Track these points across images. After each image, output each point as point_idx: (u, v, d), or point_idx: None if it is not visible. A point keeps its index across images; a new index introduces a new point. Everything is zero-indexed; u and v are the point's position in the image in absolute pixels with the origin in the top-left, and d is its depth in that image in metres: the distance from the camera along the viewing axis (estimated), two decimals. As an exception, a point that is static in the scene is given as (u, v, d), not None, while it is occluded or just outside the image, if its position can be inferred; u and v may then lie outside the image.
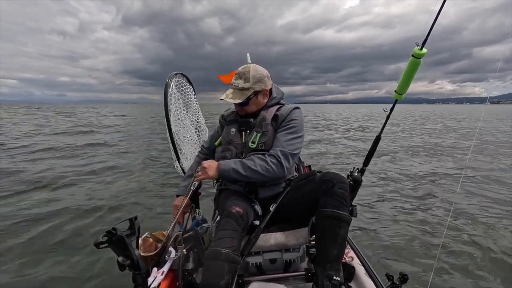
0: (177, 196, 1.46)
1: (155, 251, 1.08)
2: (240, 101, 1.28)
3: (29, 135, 10.83)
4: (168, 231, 1.21)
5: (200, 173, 1.25)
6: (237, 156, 1.30)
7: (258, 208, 1.30)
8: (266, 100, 1.37)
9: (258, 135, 1.28)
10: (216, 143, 1.51)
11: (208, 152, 1.58)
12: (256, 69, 1.31)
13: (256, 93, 1.30)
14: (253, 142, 1.28)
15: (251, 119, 1.33)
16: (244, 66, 1.33)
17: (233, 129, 1.37)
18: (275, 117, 1.31)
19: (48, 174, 5.03)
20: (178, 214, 1.29)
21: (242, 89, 1.29)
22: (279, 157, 1.19)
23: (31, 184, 4.44)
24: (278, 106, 1.37)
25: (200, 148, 1.64)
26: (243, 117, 1.38)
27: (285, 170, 1.21)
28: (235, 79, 1.32)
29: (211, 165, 1.23)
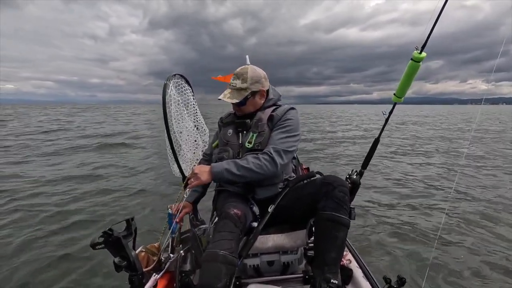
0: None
1: (151, 266, 1.07)
2: (237, 101, 1.30)
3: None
4: (160, 242, 1.20)
5: (192, 179, 1.23)
6: (234, 157, 1.31)
7: (256, 209, 1.29)
8: (263, 101, 1.39)
9: (254, 135, 1.30)
10: (213, 145, 1.52)
11: (210, 158, 1.57)
12: (254, 70, 1.34)
13: (253, 93, 1.33)
14: (249, 143, 1.29)
15: (248, 120, 1.35)
16: (242, 67, 1.36)
17: (230, 130, 1.39)
18: (270, 117, 1.33)
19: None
20: (177, 216, 1.28)
21: (240, 89, 1.31)
22: (271, 154, 1.20)
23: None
24: (274, 107, 1.39)
25: (202, 156, 1.64)
26: (239, 118, 1.40)
27: (278, 166, 1.21)
28: (233, 79, 1.34)
29: (202, 169, 1.22)
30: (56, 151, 7.72)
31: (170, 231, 1.26)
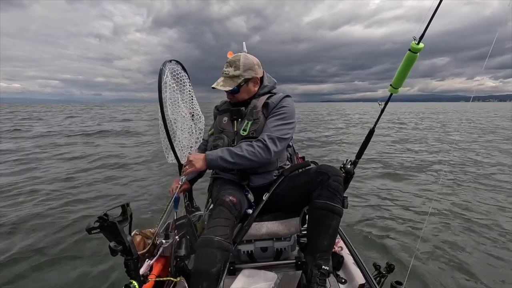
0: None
1: (145, 249, 1.08)
2: (230, 88, 1.31)
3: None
4: (157, 228, 1.20)
5: (187, 167, 1.25)
6: (229, 144, 1.32)
7: (251, 196, 1.31)
8: (257, 88, 1.39)
9: (249, 123, 1.30)
10: (209, 133, 1.53)
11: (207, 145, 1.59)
12: (247, 57, 1.34)
13: (246, 80, 1.33)
14: (244, 130, 1.30)
15: (243, 108, 1.36)
16: (235, 54, 1.35)
17: (225, 118, 1.40)
18: (265, 104, 1.33)
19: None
20: (175, 194, 1.30)
21: (233, 76, 1.32)
22: (265, 141, 1.21)
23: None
24: (269, 94, 1.38)
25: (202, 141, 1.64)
26: (235, 106, 1.40)
27: (272, 153, 1.21)
28: (225, 67, 1.34)
29: (197, 157, 1.23)
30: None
31: (170, 207, 1.29)
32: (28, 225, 2.81)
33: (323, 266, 1.04)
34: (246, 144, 1.22)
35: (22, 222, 2.87)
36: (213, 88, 1.36)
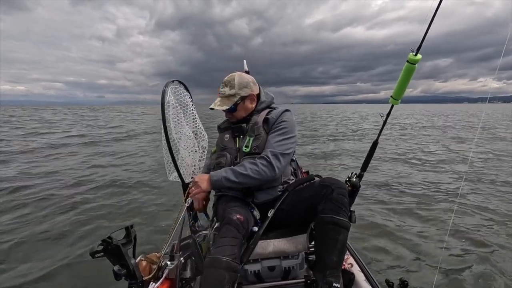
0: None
1: (151, 275, 1.06)
2: (227, 107, 1.34)
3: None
4: (163, 250, 1.19)
5: (193, 188, 1.27)
6: (231, 161, 1.34)
7: (256, 213, 1.29)
8: (254, 105, 1.42)
9: (251, 139, 1.32)
10: (212, 151, 1.55)
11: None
12: (241, 76, 1.38)
13: (243, 98, 1.36)
14: (246, 147, 1.32)
15: (244, 125, 1.38)
16: (230, 75, 1.39)
17: (227, 136, 1.42)
18: (265, 120, 1.35)
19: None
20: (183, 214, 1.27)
21: (229, 95, 1.35)
22: (269, 158, 1.22)
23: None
24: (268, 109, 1.42)
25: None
26: (236, 123, 1.42)
27: (276, 170, 1.22)
28: (221, 88, 1.38)
29: (202, 178, 1.27)
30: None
31: (176, 229, 1.25)
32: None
33: (334, 284, 1.01)
34: (250, 163, 1.23)
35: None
36: (211, 109, 1.39)
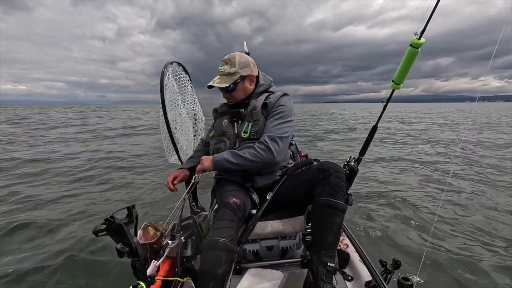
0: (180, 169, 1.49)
1: (155, 239, 1.09)
2: (227, 85, 1.31)
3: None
4: (167, 221, 1.22)
5: (198, 165, 1.33)
6: (230, 147, 1.33)
7: (255, 197, 1.31)
8: (253, 87, 1.39)
9: (250, 124, 1.31)
10: (210, 135, 1.53)
11: (205, 144, 1.62)
12: (242, 55, 1.36)
13: (242, 78, 1.33)
14: (245, 132, 1.31)
15: (242, 110, 1.36)
16: (230, 54, 1.36)
17: (225, 121, 1.40)
18: (264, 105, 1.33)
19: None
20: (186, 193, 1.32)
21: (228, 74, 1.32)
22: (266, 142, 1.22)
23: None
24: (267, 94, 1.39)
25: (200, 141, 1.70)
26: (234, 108, 1.40)
27: (274, 153, 1.23)
28: (221, 66, 1.35)
29: (206, 157, 1.34)
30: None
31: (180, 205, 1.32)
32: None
33: (329, 263, 1.04)
34: (248, 147, 1.25)
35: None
36: (209, 86, 1.36)
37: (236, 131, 1.35)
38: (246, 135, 1.30)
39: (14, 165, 5.45)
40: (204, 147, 1.61)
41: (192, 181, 1.38)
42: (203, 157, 1.35)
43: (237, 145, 1.33)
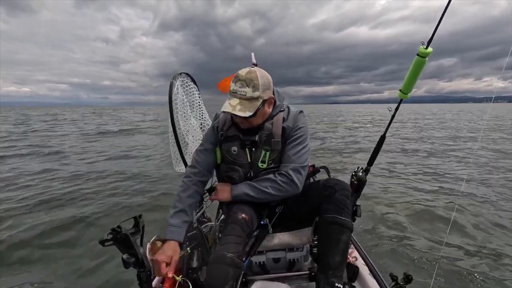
0: (167, 240, 1.07)
1: None
2: (251, 113, 1.08)
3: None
4: None
5: (213, 193, 1.24)
6: (245, 177, 1.22)
7: (263, 210, 1.30)
8: (271, 109, 1.20)
9: (267, 153, 1.18)
10: (218, 161, 1.27)
11: (202, 175, 1.26)
12: (263, 75, 1.11)
13: (263, 102, 1.13)
14: (263, 162, 1.18)
15: (256, 136, 1.18)
16: (248, 70, 1.11)
17: (235, 148, 1.21)
18: (282, 130, 1.19)
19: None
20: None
21: (251, 98, 1.08)
22: (291, 176, 1.14)
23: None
24: (281, 113, 1.22)
25: (188, 171, 1.27)
26: (245, 132, 1.20)
27: (298, 184, 1.15)
28: (240, 87, 1.08)
29: (223, 188, 1.22)
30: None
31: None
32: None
33: (336, 284, 1.01)
34: (270, 181, 1.15)
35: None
36: (224, 112, 1.18)
37: (250, 160, 1.21)
38: (265, 166, 1.18)
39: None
40: (198, 189, 1.23)
41: (199, 216, 1.33)
42: (219, 187, 1.23)
43: (251, 174, 1.22)
